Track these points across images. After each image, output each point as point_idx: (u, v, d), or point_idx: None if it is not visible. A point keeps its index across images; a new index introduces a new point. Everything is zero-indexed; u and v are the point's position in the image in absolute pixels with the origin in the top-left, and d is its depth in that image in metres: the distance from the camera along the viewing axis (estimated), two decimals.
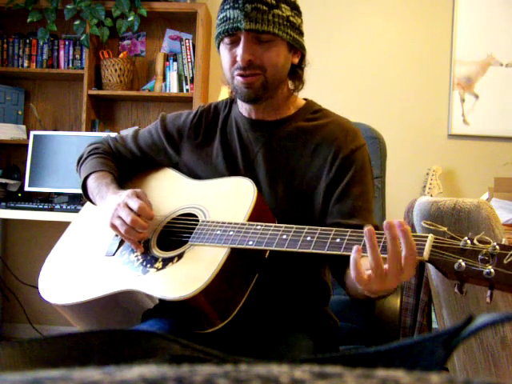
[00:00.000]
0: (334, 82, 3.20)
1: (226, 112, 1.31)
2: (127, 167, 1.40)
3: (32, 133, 3.03)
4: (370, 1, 3.22)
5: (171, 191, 1.29)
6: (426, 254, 0.87)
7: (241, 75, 1.15)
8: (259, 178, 1.21)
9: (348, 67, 3.22)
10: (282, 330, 1.18)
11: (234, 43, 1.15)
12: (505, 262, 0.81)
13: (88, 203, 1.39)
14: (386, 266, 0.86)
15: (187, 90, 3.12)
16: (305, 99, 1.30)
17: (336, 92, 3.19)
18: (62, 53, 3.21)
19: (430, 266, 1.37)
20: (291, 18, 1.16)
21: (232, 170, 1.24)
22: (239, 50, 1.13)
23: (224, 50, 1.18)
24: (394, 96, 3.20)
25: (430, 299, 1.57)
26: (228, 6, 1.14)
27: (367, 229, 0.87)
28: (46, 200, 3.04)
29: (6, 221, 3.27)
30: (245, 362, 0.32)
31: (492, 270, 0.81)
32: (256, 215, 1.10)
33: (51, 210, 2.78)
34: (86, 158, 1.38)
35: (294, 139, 1.22)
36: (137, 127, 1.43)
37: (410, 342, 0.33)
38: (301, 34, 1.20)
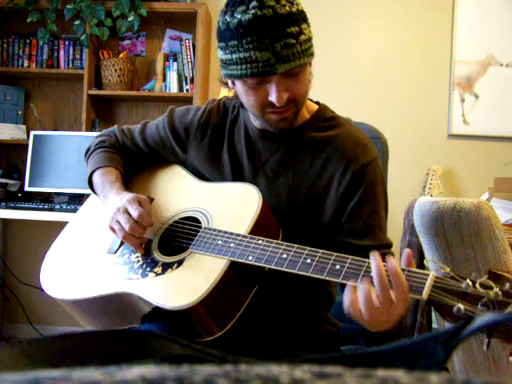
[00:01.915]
0: (334, 82, 3.20)
1: (234, 114, 1.28)
2: (135, 160, 1.39)
3: (32, 133, 3.03)
4: (370, 1, 3.22)
5: (177, 190, 1.28)
6: (425, 294, 0.84)
7: (275, 112, 1.11)
8: (264, 187, 1.19)
9: (348, 67, 3.22)
10: (282, 340, 1.17)
11: (261, 83, 1.07)
12: (506, 311, 0.78)
13: (91, 197, 1.40)
14: (375, 299, 0.88)
15: (187, 90, 3.12)
16: (317, 103, 1.27)
17: (336, 92, 3.18)
18: (62, 53, 3.21)
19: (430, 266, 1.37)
20: (310, 35, 1.09)
21: (237, 177, 1.23)
22: (274, 93, 1.06)
23: (248, 89, 1.09)
24: (394, 96, 3.20)
25: None
26: (251, 46, 1.02)
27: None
28: (46, 200, 3.04)
29: (5, 221, 3.27)
30: (245, 362, 0.32)
31: None
32: (260, 225, 1.09)
33: (51, 209, 2.78)
34: (92, 151, 1.38)
35: (304, 150, 1.19)
36: (145, 120, 1.41)
37: (410, 342, 0.33)
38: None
